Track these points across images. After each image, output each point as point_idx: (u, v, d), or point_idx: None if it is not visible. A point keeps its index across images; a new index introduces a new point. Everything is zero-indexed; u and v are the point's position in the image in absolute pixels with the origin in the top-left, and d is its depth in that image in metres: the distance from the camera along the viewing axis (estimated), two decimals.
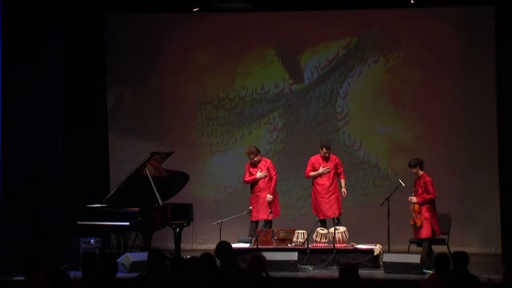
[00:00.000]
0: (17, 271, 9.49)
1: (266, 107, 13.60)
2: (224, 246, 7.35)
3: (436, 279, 6.77)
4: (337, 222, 11.15)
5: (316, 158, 11.51)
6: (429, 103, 13.10)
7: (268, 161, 11.76)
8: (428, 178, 10.63)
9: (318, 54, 13.50)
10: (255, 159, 11.58)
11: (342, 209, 11.50)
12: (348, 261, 10.11)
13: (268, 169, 11.58)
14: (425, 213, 10.53)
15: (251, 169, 11.66)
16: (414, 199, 10.60)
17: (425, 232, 10.51)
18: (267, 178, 11.55)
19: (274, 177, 11.57)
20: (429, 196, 10.55)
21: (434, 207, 10.62)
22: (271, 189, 11.50)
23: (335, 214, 11.28)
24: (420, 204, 10.55)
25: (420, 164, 10.69)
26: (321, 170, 11.41)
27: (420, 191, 10.62)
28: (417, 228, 10.57)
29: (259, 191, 11.56)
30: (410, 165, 10.75)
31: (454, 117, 13.06)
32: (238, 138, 13.65)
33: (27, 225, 11.13)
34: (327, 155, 11.44)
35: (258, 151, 11.68)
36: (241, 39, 13.54)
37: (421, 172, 10.69)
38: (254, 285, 6.46)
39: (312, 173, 11.47)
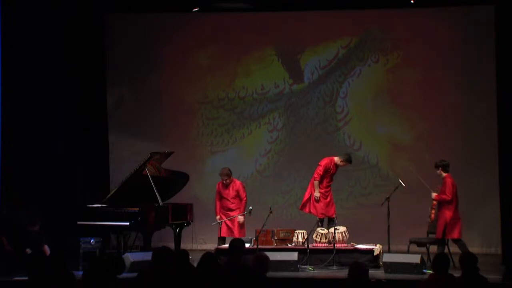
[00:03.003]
0: (17, 271, 9.55)
1: (266, 107, 13.59)
2: (237, 244, 7.34)
3: (436, 279, 6.74)
4: (335, 222, 11.13)
5: (333, 164, 11.34)
6: (429, 103, 13.10)
7: (238, 182, 11.55)
8: (448, 180, 10.69)
9: (318, 54, 13.49)
10: (227, 180, 11.44)
11: (343, 209, 11.47)
12: (353, 261, 10.04)
13: (237, 191, 11.40)
14: (441, 213, 10.67)
15: (221, 191, 11.51)
16: (434, 194, 10.75)
17: (438, 233, 10.66)
18: (237, 200, 11.39)
19: (244, 198, 11.38)
20: (444, 196, 10.63)
21: (451, 209, 10.63)
22: (241, 210, 11.34)
23: (334, 214, 11.25)
24: (436, 200, 10.72)
25: (442, 167, 10.79)
26: (317, 193, 11.25)
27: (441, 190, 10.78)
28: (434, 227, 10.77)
29: (229, 212, 11.41)
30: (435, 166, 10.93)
31: (454, 117, 13.06)
32: (238, 138, 13.64)
33: (28, 225, 11.11)
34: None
35: (230, 173, 11.48)
36: (241, 39, 13.53)
37: (444, 174, 10.78)
38: (255, 285, 6.45)
39: (317, 184, 11.26)
